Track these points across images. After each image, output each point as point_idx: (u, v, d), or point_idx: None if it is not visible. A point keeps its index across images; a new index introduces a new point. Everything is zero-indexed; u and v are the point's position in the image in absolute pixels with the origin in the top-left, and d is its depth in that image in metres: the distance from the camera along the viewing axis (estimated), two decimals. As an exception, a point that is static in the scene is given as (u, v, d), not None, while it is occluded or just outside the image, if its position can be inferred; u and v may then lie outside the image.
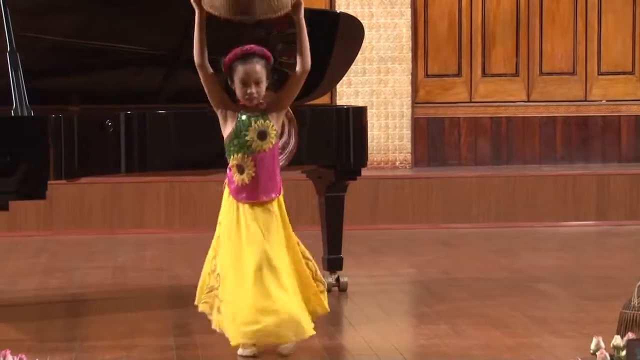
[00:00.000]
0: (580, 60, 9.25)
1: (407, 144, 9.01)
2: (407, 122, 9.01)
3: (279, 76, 6.24)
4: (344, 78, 6.95)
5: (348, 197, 6.19)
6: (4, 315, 5.63)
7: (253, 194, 4.70)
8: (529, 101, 9.24)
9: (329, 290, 6.05)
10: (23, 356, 3.92)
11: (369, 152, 6.25)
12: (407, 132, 9.00)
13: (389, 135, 8.99)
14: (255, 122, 4.71)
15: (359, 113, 6.15)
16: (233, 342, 4.58)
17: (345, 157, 6.02)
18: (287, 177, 6.45)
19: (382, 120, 8.96)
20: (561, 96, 9.23)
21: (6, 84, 5.14)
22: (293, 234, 4.82)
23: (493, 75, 9.22)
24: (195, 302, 4.80)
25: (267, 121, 4.74)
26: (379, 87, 8.97)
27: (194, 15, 5.74)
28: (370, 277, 6.59)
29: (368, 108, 6.46)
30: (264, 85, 4.72)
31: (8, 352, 3.93)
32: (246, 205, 4.70)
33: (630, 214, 8.52)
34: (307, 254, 4.86)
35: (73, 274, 6.81)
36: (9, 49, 5.17)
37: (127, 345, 4.99)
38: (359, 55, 6.53)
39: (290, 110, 5.01)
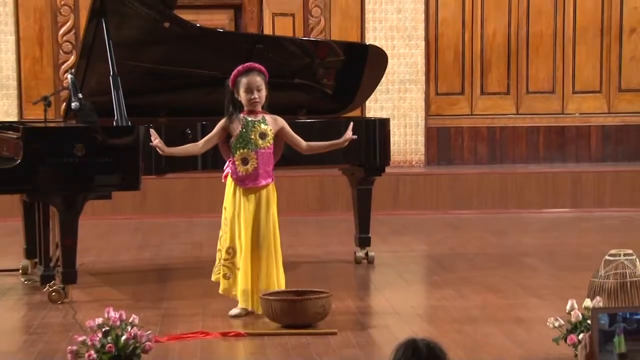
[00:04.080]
0: (559, 82, 9.19)
1: (421, 147, 8.98)
2: (421, 130, 8.98)
3: (321, 95, 6.28)
4: (372, 96, 6.94)
5: (375, 189, 6.18)
6: (108, 281, 5.69)
7: (255, 180, 4.70)
8: (517, 114, 9.19)
9: (359, 263, 6.09)
10: (122, 312, 3.94)
11: (391, 154, 6.24)
12: (421, 139, 8.98)
13: (407, 141, 8.97)
14: (258, 126, 4.71)
15: (384, 123, 6.14)
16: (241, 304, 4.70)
17: (372, 158, 6.01)
18: (327, 173, 6.51)
19: (401, 129, 8.94)
20: (543, 110, 9.17)
21: (110, 101, 5.18)
22: (275, 217, 4.77)
23: (489, 94, 9.18)
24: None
25: (267, 126, 4.74)
26: (399, 103, 8.95)
27: (254, 48, 5.78)
28: (393, 252, 6.58)
29: (390, 119, 6.45)
30: (264, 92, 4.72)
31: (111, 308, 3.96)
32: (250, 192, 4.70)
33: (598, 203, 8.45)
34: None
35: (161, 248, 6.85)
36: (112, 73, 5.20)
37: (203, 303, 5.02)
38: (383, 78, 6.51)
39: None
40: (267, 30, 8.82)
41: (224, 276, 4.75)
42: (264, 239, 4.68)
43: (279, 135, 4.79)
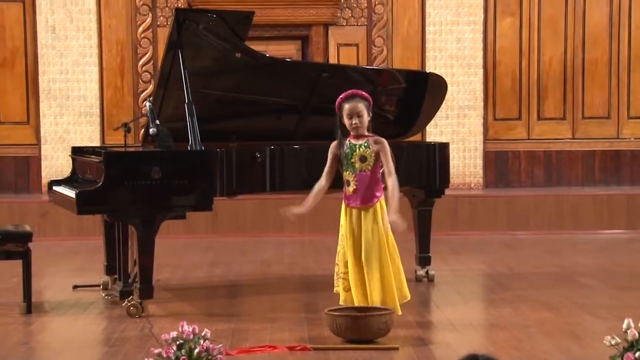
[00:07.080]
0: (614, 107, 9.05)
1: (480, 170, 8.91)
2: (479, 154, 8.91)
3: (383, 121, 6.28)
4: (432, 121, 6.91)
5: (435, 210, 6.14)
6: (181, 296, 5.73)
7: (356, 200, 4.74)
8: (573, 139, 9.07)
9: (420, 280, 6.05)
10: (195, 326, 3.96)
11: (450, 176, 6.20)
12: (479, 162, 8.90)
13: (465, 164, 8.90)
14: (359, 149, 4.74)
15: (443, 147, 6.10)
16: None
17: (432, 180, 5.98)
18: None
19: (460, 152, 8.88)
20: (599, 135, 9.04)
21: (185, 127, 5.24)
22: (382, 234, 4.75)
23: (546, 119, 9.08)
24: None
25: (368, 149, 4.75)
26: (458, 128, 8.90)
27: (320, 77, 5.82)
28: (452, 270, 6.52)
29: (450, 144, 6.41)
30: (365, 117, 4.74)
31: (185, 322, 3.98)
32: (353, 210, 4.73)
33: (653, 225, 8.30)
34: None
35: (231, 266, 6.89)
36: (187, 101, 5.26)
37: (271, 318, 5.03)
38: (443, 104, 6.48)
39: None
40: (333, 60, 8.86)
41: (344, 288, 4.77)
42: (367, 256, 4.69)
43: (378, 155, 4.80)
